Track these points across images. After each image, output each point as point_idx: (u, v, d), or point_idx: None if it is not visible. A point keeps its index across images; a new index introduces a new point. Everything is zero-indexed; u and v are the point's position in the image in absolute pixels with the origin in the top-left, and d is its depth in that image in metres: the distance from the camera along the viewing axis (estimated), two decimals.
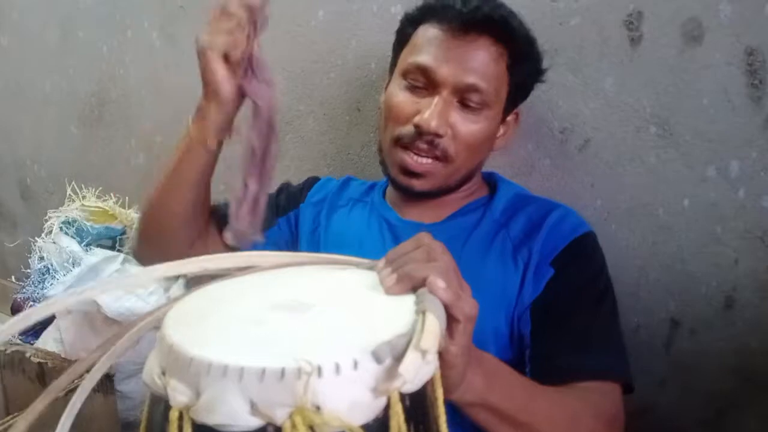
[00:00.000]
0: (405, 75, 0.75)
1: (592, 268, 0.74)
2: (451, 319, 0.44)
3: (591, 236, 0.76)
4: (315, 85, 1.08)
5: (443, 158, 0.74)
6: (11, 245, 1.40)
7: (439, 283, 0.44)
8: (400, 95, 0.75)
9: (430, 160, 0.74)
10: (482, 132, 0.75)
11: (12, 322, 0.42)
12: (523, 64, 0.77)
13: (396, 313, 0.42)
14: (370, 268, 0.51)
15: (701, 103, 0.81)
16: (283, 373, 0.34)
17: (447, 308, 0.44)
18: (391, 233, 0.81)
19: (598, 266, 0.75)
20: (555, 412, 0.58)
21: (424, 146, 0.73)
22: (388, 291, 0.46)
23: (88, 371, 0.47)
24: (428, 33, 0.75)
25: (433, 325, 0.40)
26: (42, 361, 1.04)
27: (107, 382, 1.01)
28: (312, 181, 0.94)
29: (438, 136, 0.72)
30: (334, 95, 1.06)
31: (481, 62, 0.72)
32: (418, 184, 0.76)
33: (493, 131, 0.77)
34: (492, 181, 0.86)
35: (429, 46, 0.74)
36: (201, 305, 0.46)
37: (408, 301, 0.44)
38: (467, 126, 0.73)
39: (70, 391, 0.47)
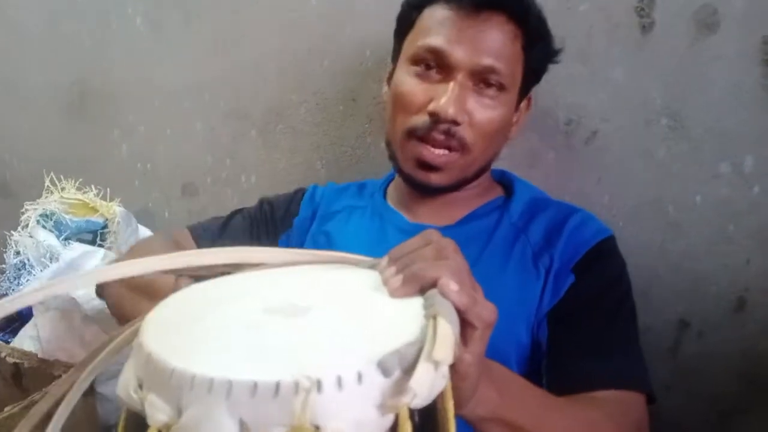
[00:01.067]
0: (414, 60, 0.71)
1: (613, 273, 0.71)
2: (465, 325, 0.40)
3: (612, 240, 0.73)
4: (308, 73, 1.03)
5: (460, 148, 0.69)
6: None
7: (452, 285, 0.39)
8: (409, 83, 0.70)
9: (446, 151, 0.69)
10: (500, 118, 0.70)
11: None
12: (538, 44, 0.73)
13: (403, 318, 0.38)
14: (372, 267, 0.47)
15: (714, 95, 0.78)
16: (277, 387, 0.29)
17: (461, 313, 0.39)
18: (400, 240, 0.75)
19: (618, 271, 0.71)
20: (573, 425, 0.54)
21: (440, 137, 0.68)
22: (394, 293, 0.41)
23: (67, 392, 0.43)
24: (437, 14, 0.70)
25: (447, 333, 0.35)
26: (18, 361, 0.98)
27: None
28: (300, 194, 0.88)
29: (455, 123, 0.67)
30: (328, 84, 1.02)
31: (497, 42, 0.68)
32: (436, 178, 0.71)
33: (510, 117, 0.73)
34: (506, 181, 0.81)
35: (440, 27, 0.69)
36: (184, 309, 0.41)
37: (416, 304, 0.39)
38: (485, 112, 0.69)
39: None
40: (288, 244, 0.83)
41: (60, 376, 0.99)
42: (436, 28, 0.69)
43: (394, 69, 0.76)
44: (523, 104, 0.77)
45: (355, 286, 0.44)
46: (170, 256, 0.45)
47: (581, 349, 0.64)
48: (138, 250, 0.78)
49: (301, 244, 0.81)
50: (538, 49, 0.73)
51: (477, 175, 0.75)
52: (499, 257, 0.71)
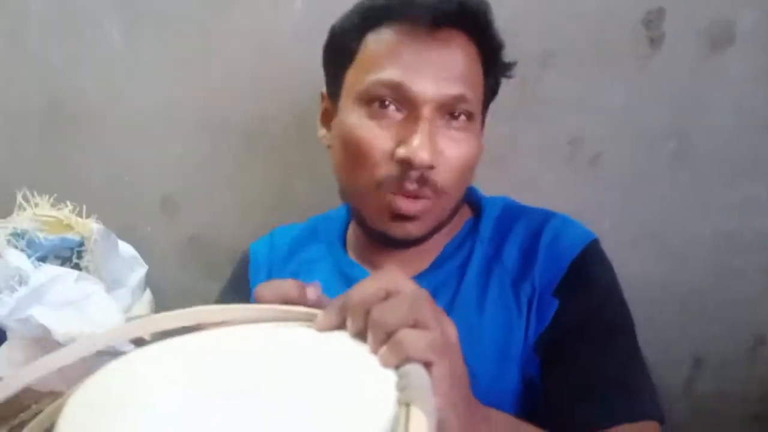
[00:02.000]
0: (365, 100, 0.59)
1: (602, 286, 0.63)
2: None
3: (593, 246, 0.64)
4: (284, 89, 0.97)
5: (433, 194, 0.60)
6: None
7: (379, 351, 0.35)
8: (364, 127, 0.59)
9: (420, 199, 0.60)
10: (473, 151, 0.62)
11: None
12: (496, 60, 0.64)
13: (370, 402, 0.32)
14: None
15: (724, 118, 0.72)
16: None
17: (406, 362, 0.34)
18: None
19: (607, 283, 0.63)
20: None
21: (412, 186, 0.58)
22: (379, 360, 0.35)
23: None
24: (384, 41, 0.59)
25: (422, 429, 0.30)
26: None
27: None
28: (244, 262, 0.79)
29: (430, 168, 0.58)
30: (305, 100, 0.96)
31: (461, 66, 0.58)
32: (413, 229, 0.61)
33: (479, 147, 0.64)
34: (472, 200, 0.72)
35: (392, 56, 0.58)
36: (113, 388, 0.36)
37: (387, 380, 0.33)
38: (457, 148, 0.60)
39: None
40: None
41: (30, 405, 0.95)
42: (387, 57, 0.58)
43: (333, 108, 0.65)
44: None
45: (313, 351, 0.38)
46: (136, 322, 0.42)
47: (579, 388, 0.57)
48: None
49: None
50: (497, 66, 0.64)
51: (452, 215, 0.66)
52: (475, 296, 0.63)
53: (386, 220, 0.61)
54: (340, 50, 0.63)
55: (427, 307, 0.37)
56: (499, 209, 0.70)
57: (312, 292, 0.43)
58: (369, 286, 0.38)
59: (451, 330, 0.38)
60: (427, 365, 0.34)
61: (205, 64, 1.03)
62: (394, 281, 0.38)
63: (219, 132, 1.04)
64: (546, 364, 0.60)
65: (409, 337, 0.35)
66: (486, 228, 0.68)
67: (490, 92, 0.66)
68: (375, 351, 0.36)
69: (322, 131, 0.69)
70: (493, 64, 0.63)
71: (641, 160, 0.77)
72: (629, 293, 0.71)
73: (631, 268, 0.78)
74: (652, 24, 0.74)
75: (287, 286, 0.43)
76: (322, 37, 0.67)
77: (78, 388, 0.35)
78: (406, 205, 0.59)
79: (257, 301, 0.43)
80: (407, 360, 0.34)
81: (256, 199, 1.03)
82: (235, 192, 1.05)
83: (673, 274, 0.77)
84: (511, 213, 0.69)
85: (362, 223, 0.66)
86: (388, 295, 0.37)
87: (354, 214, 0.68)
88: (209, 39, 1.01)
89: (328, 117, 0.67)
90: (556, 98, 0.79)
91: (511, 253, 0.64)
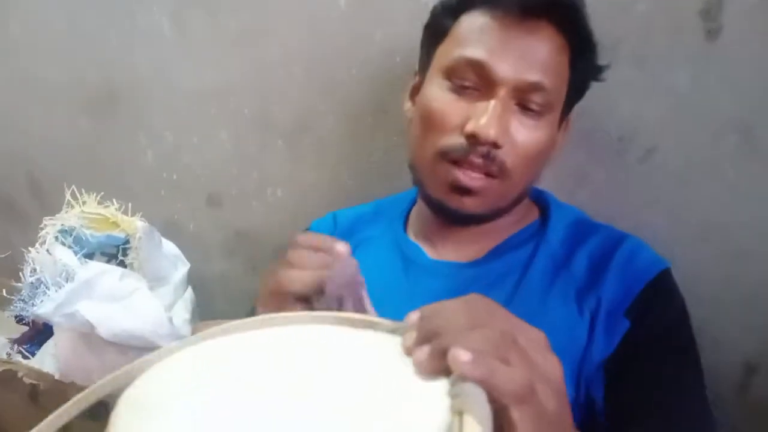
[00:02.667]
0: (449, 74, 0.62)
1: (674, 314, 0.62)
2: (496, 405, 0.32)
3: (668, 274, 0.64)
4: (335, 81, 0.96)
5: (499, 174, 0.61)
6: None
7: (462, 356, 0.31)
8: (443, 99, 0.62)
9: (482, 176, 0.61)
10: (544, 141, 0.62)
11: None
12: (585, 57, 0.65)
13: (425, 407, 0.31)
14: (393, 331, 0.39)
15: None
16: None
17: (485, 388, 0.31)
18: (421, 278, 0.67)
19: (679, 311, 0.62)
20: None
21: (478, 161, 0.60)
22: (417, 367, 0.34)
23: None
24: (476, 22, 0.61)
25: None
26: (34, 382, 0.96)
27: (102, 409, 0.92)
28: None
29: (496, 146, 0.59)
30: (356, 93, 0.95)
31: (544, 56, 0.60)
32: (470, 203, 0.62)
33: (553, 140, 0.65)
34: (541, 202, 0.72)
35: (480, 37, 0.60)
36: (168, 385, 0.35)
37: (441, 390, 0.32)
38: (528, 134, 0.61)
39: None
40: None
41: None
42: (476, 37, 0.61)
43: (420, 83, 0.69)
44: (562, 125, 0.68)
45: (370, 358, 0.37)
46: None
47: (645, 408, 0.55)
48: None
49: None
50: (585, 63, 0.65)
51: (514, 204, 0.66)
52: (537, 295, 0.62)
53: (445, 191, 0.63)
54: (436, 27, 0.66)
55: (518, 349, 0.35)
56: (572, 217, 0.70)
57: (341, 245, 0.48)
58: (458, 315, 0.36)
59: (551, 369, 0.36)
60: (455, 360, 0.32)
61: (254, 51, 1.03)
62: (470, 300, 0.37)
63: (269, 125, 1.04)
64: (611, 385, 0.58)
65: (500, 371, 0.32)
66: (555, 231, 0.67)
67: (575, 90, 0.66)
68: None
69: (408, 104, 0.72)
70: (581, 60, 0.64)
71: (702, 153, 0.73)
72: (687, 292, 0.67)
73: (690, 266, 0.74)
74: (709, 15, 0.70)
75: (319, 236, 0.47)
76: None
77: (130, 388, 0.35)
78: (465, 178, 0.61)
79: (292, 245, 0.47)
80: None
81: (306, 197, 1.03)
82: (286, 188, 1.05)
83: (736, 272, 0.73)
84: (586, 225, 0.69)
85: (424, 195, 0.68)
86: (473, 327, 0.35)
87: (417, 184, 0.69)
88: (259, 25, 1.01)
89: (415, 92, 0.70)
90: (610, 90, 0.76)
91: (581, 263, 0.64)
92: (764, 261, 0.71)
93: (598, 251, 0.64)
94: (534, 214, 0.71)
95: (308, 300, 0.47)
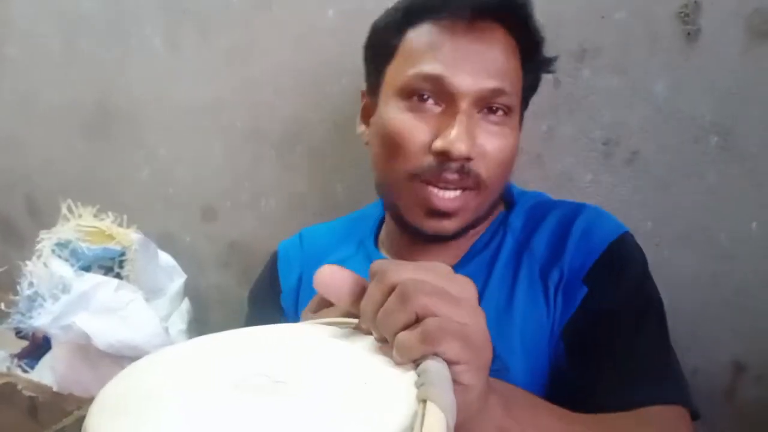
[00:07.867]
0: (404, 94, 0.61)
1: (632, 276, 0.61)
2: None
3: (626, 239, 0.63)
4: (325, 91, 0.98)
5: (475, 186, 0.61)
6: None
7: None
8: (402, 120, 0.60)
9: (458, 193, 0.60)
10: (512, 144, 0.62)
11: None
12: (536, 54, 0.64)
13: (391, 394, 0.32)
14: (357, 328, 0.41)
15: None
16: None
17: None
18: None
19: (638, 273, 0.62)
20: None
21: (453, 176, 0.59)
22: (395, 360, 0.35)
23: None
24: (424, 36, 0.60)
25: (439, 425, 0.29)
26: (33, 394, 0.96)
27: None
28: (274, 261, 0.79)
29: (468, 159, 0.59)
30: (347, 103, 0.96)
31: (499, 60, 0.60)
32: (450, 225, 0.61)
33: (518, 142, 0.65)
34: (506, 194, 0.72)
35: (432, 51, 0.59)
36: (141, 384, 0.36)
37: (408, 377, 0.33)
38: (496, 141, 0.60)
39: None
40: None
41: (72, 411, 0.97)
42: (428, 52, 0.59)
43: (373, 105, 0.67)
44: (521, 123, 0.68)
45: (340, 352, 0.38)
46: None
47: (606, 373, 0.56)
48: None
49: (297, 316, 0.72)
50: (536, 60, 0.64)
51: (490, 212, 0.67)
52: (506, 290, 0.63)
53: (421, 216, 0.62)
54: (381, 46, 0.64)
55: (420, 298, 0.34)
56: (533, 201, 0.70)
57: None
58: (375, 292, 0.37)
59: (465, 302, 0.36)
60: (436, 355, 0.33)
61: (245, 65, 1.05)
62: (388, 277, 0.36)
63: (261, 136, 1.06)
64: (573, 351, 0.59)
65: (405, 340, 0.34)
66: (517, 218, 0.67)
67: (529, 87, 0.66)
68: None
69: (362, 128, 0.70)
70: (532, 59, 0.64)
71: (684, 156, 0.74)
72: (675, 294, 0.68)
73: (676, 268, 0.75)
74: (688, 18, 0.72)
75: (354, 277, 0.40)
76: (362, 39, 0.68)
77: (105, 387, 0.36)
78: (441, 201, 0.60)
79: (319, 282, 0.40)
80: (425, 356, 0.34)
81: (297, 204, 1.04)
82: (279, 198, 1.06)
83: (720, 273, 0.74)
84: (544, 205, 0.69)
85: (397, 218, 0.66)
86: (390, 293, 0.36)
87: (389, 208, 0.68)
88: (248, 40, 1.04)
89: (367, 114, 0.69)
90: (593, 96, 0.77)
91: (540, 242, 0.64)
92: (748, 261, 0.72)
93: (558, 226, 0.64)
94: (500, 208, 0.71)
95: None
